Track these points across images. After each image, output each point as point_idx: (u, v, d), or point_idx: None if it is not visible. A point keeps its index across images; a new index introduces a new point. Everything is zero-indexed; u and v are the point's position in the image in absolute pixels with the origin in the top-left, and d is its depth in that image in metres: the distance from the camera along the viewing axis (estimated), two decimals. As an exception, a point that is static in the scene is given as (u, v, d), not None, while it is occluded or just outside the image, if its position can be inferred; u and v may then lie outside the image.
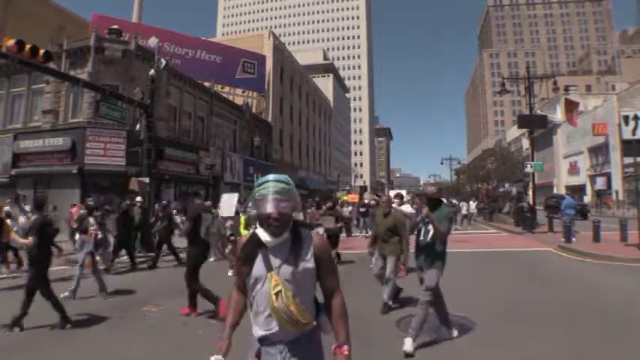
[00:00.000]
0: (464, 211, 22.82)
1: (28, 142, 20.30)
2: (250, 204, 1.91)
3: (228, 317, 1.96)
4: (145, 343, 4.81)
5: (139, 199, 12.59)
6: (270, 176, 1.87)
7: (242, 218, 9.83)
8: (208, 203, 10.92)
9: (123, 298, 7.08)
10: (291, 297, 1.76)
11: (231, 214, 10.67)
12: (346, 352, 1.81)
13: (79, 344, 4.75)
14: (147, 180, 13.47)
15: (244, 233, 10.19)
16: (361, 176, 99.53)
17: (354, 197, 21.64)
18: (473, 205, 24.75)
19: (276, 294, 1.75)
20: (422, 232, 4.62)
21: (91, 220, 7.39)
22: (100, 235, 7.50)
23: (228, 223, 10.81)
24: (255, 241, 1.87)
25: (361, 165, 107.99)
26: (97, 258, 7.79)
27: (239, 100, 34.49)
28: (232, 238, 10.19)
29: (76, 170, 18.58)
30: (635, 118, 11.39)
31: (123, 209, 11.19)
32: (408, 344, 4.20)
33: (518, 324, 5.16)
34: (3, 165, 20.65)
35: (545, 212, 20.46)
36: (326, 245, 1.98)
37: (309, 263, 1.85)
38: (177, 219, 10.31)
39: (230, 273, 8.52)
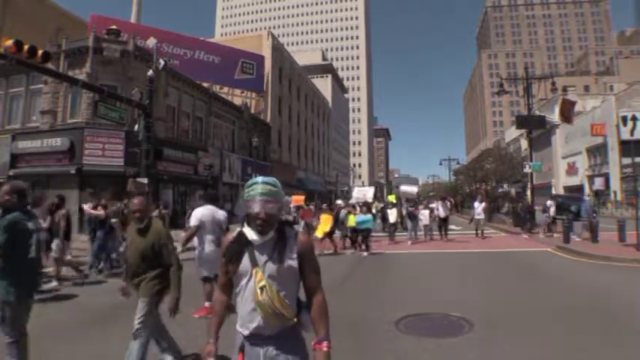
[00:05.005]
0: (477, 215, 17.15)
1: (27, 142, 20.25)
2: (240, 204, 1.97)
3: (213, 319, 2.05)
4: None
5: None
6: (259, 178, 1.95)
7: None
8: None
9: (121, 298, 7.05)
10: (275, 292, 1.83)
11: None
12: (325, 348, 1.84)
13: (78, 344, 4.73)
14: (145, 180, 13.43)
15: None
16: (360, 176, 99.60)
17: (297, 199, 18.88)
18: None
19: (261, 288, 1.82)
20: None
21: None
22: None
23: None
24: (241, 240, 1.93)
25: (360, 165, 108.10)
26: None
27: (238, 101, 34.47)
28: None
29: (74, 171, 18.55)
30: (634, 118, 11.43)
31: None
32: None
33: (516, 324, 5.16)
34: (1, 165, 20.57)
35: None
36: (310, 245, 2.01)
37: (292, 261, 1.90)
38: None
39: None
